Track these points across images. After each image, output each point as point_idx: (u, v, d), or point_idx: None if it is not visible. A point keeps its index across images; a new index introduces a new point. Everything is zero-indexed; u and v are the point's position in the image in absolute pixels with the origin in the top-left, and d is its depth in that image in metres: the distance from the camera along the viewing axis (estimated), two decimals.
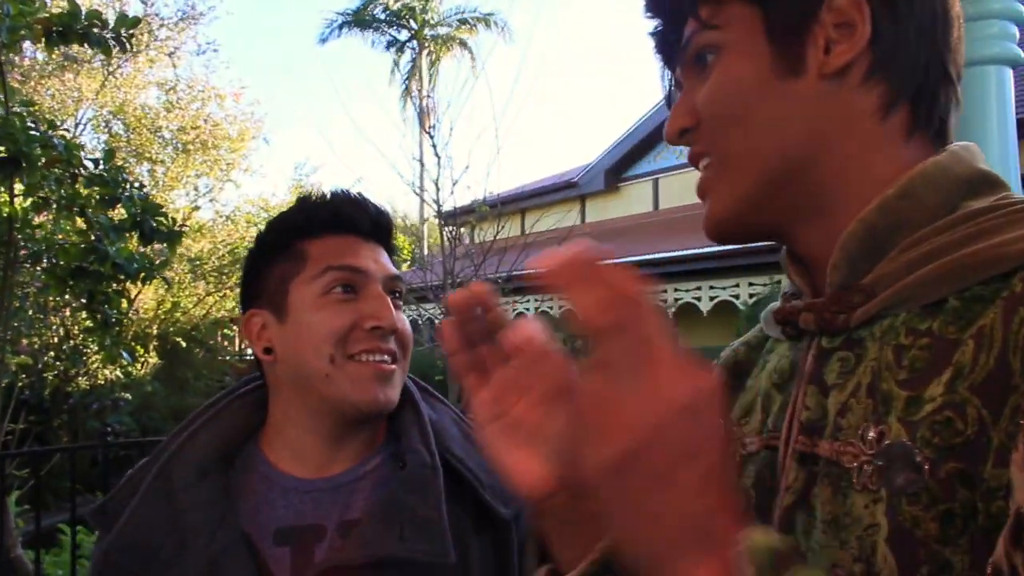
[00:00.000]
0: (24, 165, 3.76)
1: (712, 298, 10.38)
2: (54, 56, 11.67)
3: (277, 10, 52.75)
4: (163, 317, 12.71)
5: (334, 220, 1.12)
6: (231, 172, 15.49)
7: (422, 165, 8.42)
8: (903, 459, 0.55)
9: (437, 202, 6.56)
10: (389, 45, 22.84)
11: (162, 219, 3.98)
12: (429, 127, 6.57)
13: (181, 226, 4.05)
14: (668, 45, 0.75)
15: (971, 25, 0.66)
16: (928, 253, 0.61)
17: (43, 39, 4.15)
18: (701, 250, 10.17)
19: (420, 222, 15.04)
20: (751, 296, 9.60)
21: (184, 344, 12.48)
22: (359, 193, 1.16)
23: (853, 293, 0.64)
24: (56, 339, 9.71)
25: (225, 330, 13.98)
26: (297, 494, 1.08)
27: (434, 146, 6.44)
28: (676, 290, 10.78)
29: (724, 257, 9.79)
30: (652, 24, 0.76)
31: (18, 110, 4.20)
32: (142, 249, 4.54)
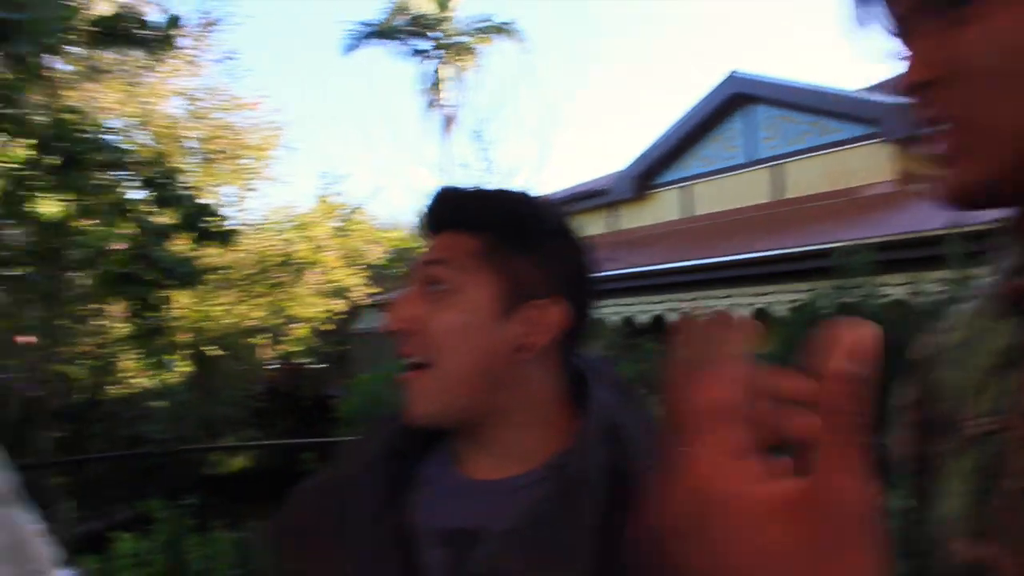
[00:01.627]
0: (75, 169, 3.69)
1: (749, 305, 10.25)
2: (79, 66, 11.67)
3: (297, 17, 53.22)
4: (194, 325, 12.71)
5: (427, 224, 1.05)
6: (255, 181, 15.51)
7: (440, 171, 8.34)
8: None
9: None
10: (412, 55, 22.94)
11: (214, 219, 3.90)
12: (474, 133, 6.47)
13: (232, 227, 3.99)
14: None
15: None
16: None
17: (91, 42, 4.10)
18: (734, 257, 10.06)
19: None
20: (792, 302, 9.45)
21: (217, 352, 12.45)
22: (447, 187, 1.07)
23: None
24: (89, 348, 9.68)
25: (253, 339, 13.95)
26: (463, 494, 1.01)
27: (484, 149, 6.36)
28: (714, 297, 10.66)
29: (755, 264, 9.66)
30: None
31: (64, 116, 4.15)
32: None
